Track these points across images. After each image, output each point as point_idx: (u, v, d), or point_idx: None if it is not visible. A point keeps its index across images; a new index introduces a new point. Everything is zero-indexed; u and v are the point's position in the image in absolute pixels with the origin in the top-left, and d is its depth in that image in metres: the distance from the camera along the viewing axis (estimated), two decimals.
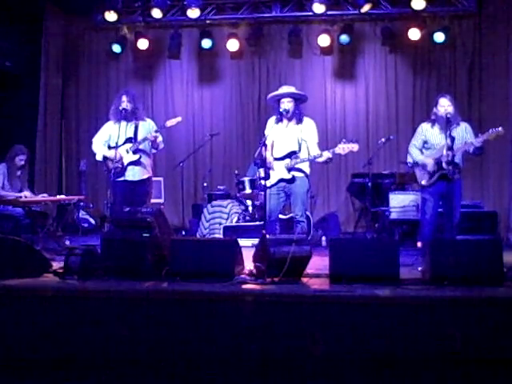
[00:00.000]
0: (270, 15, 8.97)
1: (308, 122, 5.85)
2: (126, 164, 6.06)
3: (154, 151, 6.25)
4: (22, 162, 6.70)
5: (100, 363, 4.01)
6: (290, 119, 5.80)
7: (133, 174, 6.10)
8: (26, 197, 6.47)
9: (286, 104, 5.74)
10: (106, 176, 6.39)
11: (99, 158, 6.23)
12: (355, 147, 5.63)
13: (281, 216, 6.28)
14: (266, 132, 5.80)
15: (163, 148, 6.51)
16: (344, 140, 5.71)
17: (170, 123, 6.16)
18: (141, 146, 6.08)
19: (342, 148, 5.62)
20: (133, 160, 6.08)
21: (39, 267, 4.80)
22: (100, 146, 6.23)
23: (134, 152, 6.07)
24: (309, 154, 5.73)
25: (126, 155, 6.07)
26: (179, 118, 6.27)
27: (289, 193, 5.81)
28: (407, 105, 9.07)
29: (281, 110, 5.72)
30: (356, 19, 8.90)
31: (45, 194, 6.85)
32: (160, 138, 6.13)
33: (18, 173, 6.71)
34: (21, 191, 6.63)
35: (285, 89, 5.90)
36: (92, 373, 4.00)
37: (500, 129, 5.31)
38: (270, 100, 5.99)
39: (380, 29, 8.87)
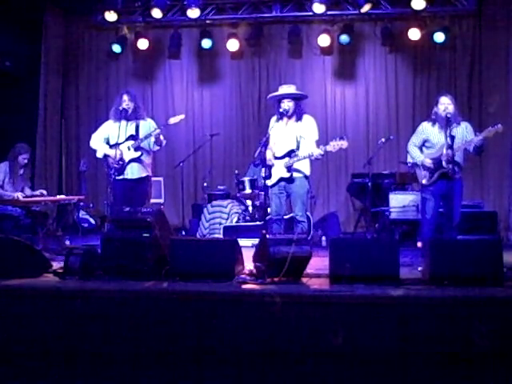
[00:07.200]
0: (270, 15, 8.95)
1: (308, 119, 5.89)
2: (126, 161, 6.07)
3: (156, 148, 6.22)
4: (25, 161, 6.69)
5: (100, 363, 4.02)
6: (290, 117, 5.86)
7: (131, 172, 6.11)
8: (17, 197, 6.39)
9: (286, 104, 5.80)
10: (106, 175, 6.39)
11: (100, 155, 6.23)
12: (344, 144, 5.67)
13: None
14: (269, 131, 5.82)
15: (163, 148, 6.51)
16: (337, 138, 5.75)
17: (173, 120, 6.16)
18: (142, 144, 6.08)
19: (333, 145, 5.67)
20: (134, 157, 6.09)
21: (39, 267, 4.81)
22: (99, 143, 6.24)
23: (136, 149, 6.08)
24: (306, 152, 5.76)
25: (127, 152, 6.09)
26: (182, 116, 6.26)
27: (289, 193, 5.85)
28: (407, 105, 9.07)
29: (281, 110, 5.79)
30: (356, 19, 8.89)
31: (44, 191, 6.81)
32: (161, 136, 6.14)
33: (21, 171, 6.69)
34: (22, 190, 6.62)
35: (285, 88, 5.93)
36: (92, 372, 4.00)
37: (499, 126, 5.33)
38: (271, 99, 6.05)
39: (380, 29, 8.86)
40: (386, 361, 3.81)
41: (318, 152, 5.70)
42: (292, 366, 3.87)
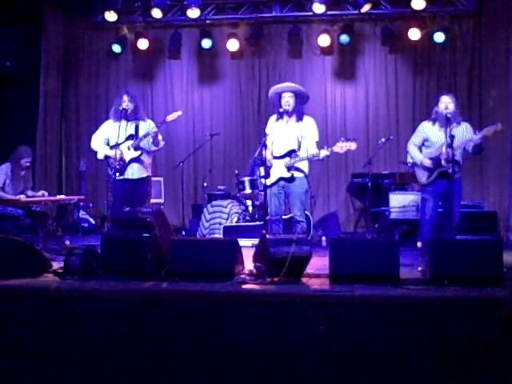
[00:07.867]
0: (270, 15, 8.95)
1: (308, 120, 5.88)
2: (127, 161, 6.07)
3: (154, 148, 6.23)
4: (28, 164, 6.73)
5: (100, 363, 4.01)
6: (290, 116, 5.82)
7: (132, 173, 6.11)
8: (19, 198, 6.41)
9: (287, 99, 5.76)
10: (106, 175, 6.39)
11: (101, 156, 6.23)
12: (353, 146, 5.64)
13: None
14: (267, 130, 5.81)
15: (163, 148, 6.51)
16: (342, 138, 5.72)
17: (170, 117, 6.15)
18: (142, 144, 6.09)
19: (341, 147, 5.64)
20: (134, 157, 6.09)
21: (39, 267, 4.81)
22: (99, 144, 6.24)
23: (136, 149, 6.08)
24: (307, 153, 5.74)
25: (128, 152, 6.09)
26: (179, 112, 6.23)
27: (288, 192, 5.83)
28: (407, 105, 9.07)
29: (281, 110, 5.75)
30: (356, 19, 8.89)
31: (45, 193, 6.82)
32: (160, 137, 6.14)
33: (22, 173, 6.71)
34: (23, 191, 6.62)
35: (287, 84, 5.93)
36: (92, 372, 4.00)
37: (498, 125, 5.33)
38: (272, 96, 6.01)
39: (380, 29, 8.86)
40: (386, 361, 3.80)
41: (324, 153, 5.66)
42: (292, 366, 3.87)
